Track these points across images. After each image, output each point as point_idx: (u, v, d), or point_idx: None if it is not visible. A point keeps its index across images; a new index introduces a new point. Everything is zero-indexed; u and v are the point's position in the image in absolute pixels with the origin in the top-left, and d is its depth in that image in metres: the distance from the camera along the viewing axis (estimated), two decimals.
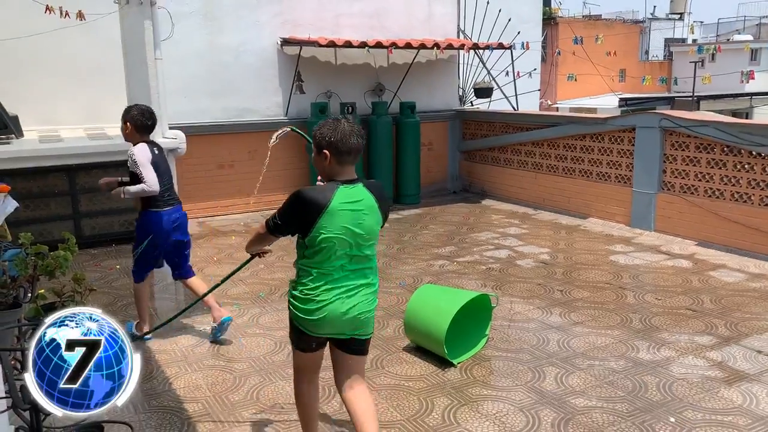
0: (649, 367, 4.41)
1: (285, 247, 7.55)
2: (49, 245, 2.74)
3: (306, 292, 3.01)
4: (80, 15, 7.05)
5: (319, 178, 3.11)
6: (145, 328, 4.97)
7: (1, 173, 6.26)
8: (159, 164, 4.73)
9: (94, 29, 7.51)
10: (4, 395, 2.15)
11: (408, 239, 7.92)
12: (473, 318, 4.74)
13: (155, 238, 4.81)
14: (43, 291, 2.79)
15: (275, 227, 3.13)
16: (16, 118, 7.54)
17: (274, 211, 3.14)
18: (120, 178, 4.99)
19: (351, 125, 2.96)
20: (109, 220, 7.61)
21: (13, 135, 7.40)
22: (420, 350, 4.67)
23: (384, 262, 6.94)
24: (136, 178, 4.65)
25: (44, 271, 2.39)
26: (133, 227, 7.75)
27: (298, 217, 2.96)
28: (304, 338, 3.09)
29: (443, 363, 4.46)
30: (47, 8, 6.93)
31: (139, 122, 4.72)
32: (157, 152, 4.77)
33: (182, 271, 5.03)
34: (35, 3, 6.92)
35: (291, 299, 3.12)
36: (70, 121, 8.52)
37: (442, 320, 4.35)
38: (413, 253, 7.30)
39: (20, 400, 1.97)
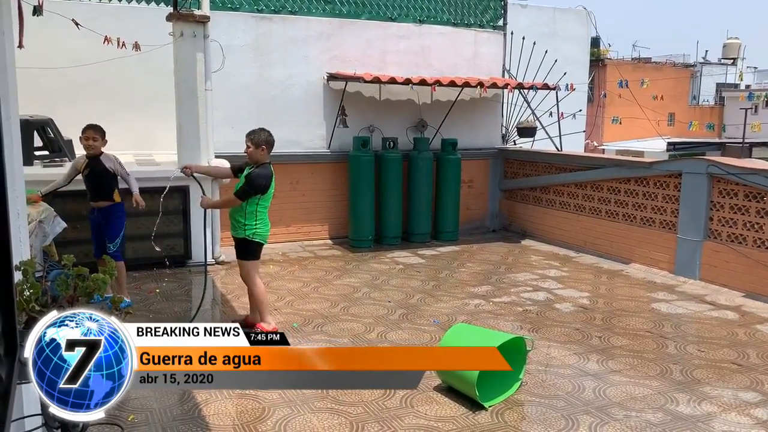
0: (689, 422, 4.24)
1: (320, 279, 7.61)
2: (94, 265, 2.83)
3: (262, 220, 5.48)
4: (136, 46, 7.35)
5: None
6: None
7: (53, 194, 6.49)
8: None
9: (148, 60, 7.81)
10: (36, 413, 2.19)
11: (444, 276, 7.86)
12: (507, 360, 4.63)
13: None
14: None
15: (246, 195, 5.38)
16: (70, 142, 7.85)
17: (251, 191, 5.39)
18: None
19: (270, 132, 5.52)
20: (151, 244, 7.76)
21: (66, 158, 7.68)
22: (451, 391, 4.59)
23: (419, 298, 6.90)
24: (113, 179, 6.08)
25: (83, 293, 2.44)
26: (175, 251, 7.94)
27: (265, 186, 5.41)
28: (260, 249, 5.58)
29: (474, 405, 4.38)
30: (105, 39, 7.25)
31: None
32: None
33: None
34: (94, 33, 7.24)
35: (254, 231, 5.44)
36: (122, 146, 8.80)
37: None
38: (449, 290, 7.24)
39: (51, 419, 2.00)
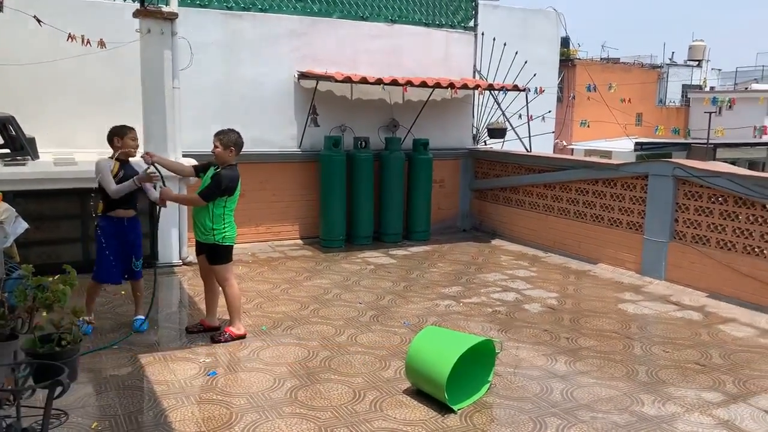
0: (653, 422, 4.31)
1: (290, 280, 7.56)
2: (57, 267, 2.76)
3: (230, 223, 5.42)
4: (101, 43, 7.19)
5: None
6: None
7: (14, 194, 6.33)
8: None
9: (114, 56, 7.65)
10: None
11: (415, 277, 7.87)
12: (476, 362, 4.67)
13: None
14: (45, 315, 2.77)
15: (212, 196, 5.29)
16: (32, 140, 7.64)
17: (215, 193, 5.32)
18: None
19: (239, 134, 5.49)
20: None
21: (28, 156, 7.49)
22: (421, 394, 4.60)
23: (390, 299, 6.89)
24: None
25: (42, 304, 2.38)
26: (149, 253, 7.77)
27: (233, 188, 5.34)
28: (231, 251, 5.53)
29: (443, 408, 4.39)
30: (69, 36, 7.08)
31: None
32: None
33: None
34: (58, 30, 7.07)
35: (223, 235, 5.36)
36: (86, 145, 8.60)
37: (444, 366, 4.29)
38: (420, 291, 7.25)
39: None
